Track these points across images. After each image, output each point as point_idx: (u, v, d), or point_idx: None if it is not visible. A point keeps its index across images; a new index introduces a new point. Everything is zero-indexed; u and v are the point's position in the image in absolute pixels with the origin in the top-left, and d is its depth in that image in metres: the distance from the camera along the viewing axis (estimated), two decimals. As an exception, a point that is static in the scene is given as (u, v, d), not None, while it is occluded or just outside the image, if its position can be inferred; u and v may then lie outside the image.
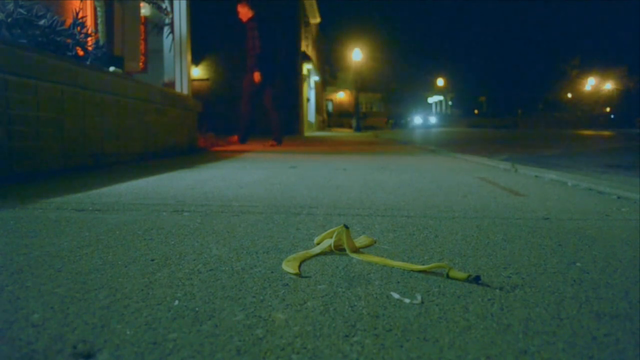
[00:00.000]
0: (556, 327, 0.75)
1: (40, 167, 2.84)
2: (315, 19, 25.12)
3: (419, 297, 0.87)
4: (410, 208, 1.88)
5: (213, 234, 1.39)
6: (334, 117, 42.28)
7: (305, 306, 0.83)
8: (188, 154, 5.43)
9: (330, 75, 41.01)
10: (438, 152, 6.60)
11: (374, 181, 2.81)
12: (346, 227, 1.20)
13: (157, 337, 0.70)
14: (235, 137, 7.81)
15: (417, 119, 55.38)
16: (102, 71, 3.74)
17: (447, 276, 0.98)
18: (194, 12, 6.51)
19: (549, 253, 1.21)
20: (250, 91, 7.65)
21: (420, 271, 1.03)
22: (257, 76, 7.54)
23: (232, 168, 3.65)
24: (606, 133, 26.15)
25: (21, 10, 3.20)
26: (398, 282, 0.96)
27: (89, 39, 3.94)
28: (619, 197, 2.20)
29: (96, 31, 5.10)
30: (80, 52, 3.77)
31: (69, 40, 3.58)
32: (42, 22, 3.34)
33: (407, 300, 0.86)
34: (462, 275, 0.97)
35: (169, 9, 6.26)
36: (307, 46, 20.80)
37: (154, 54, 7.34)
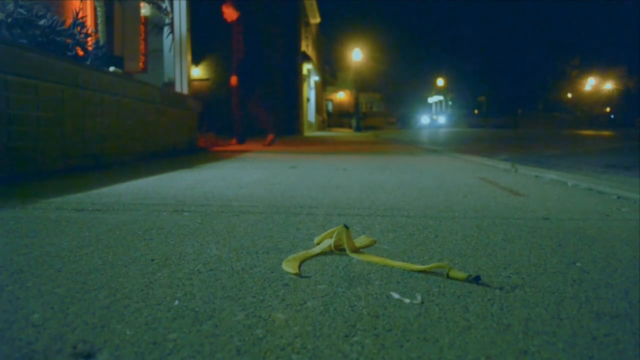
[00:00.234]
0: (556, 327, 0.75)
1: (40, 167, 2.84)
2: (315, 19, 25.11)
3: (419, 297, 0.87)
4: (410, 208, 1.88)
5: (213, 234, 1.39)
6: (334, 117, 42.27)
7: (305, 306, 0.83)
8: (188, 154, 5.43)
9: (330, 75, 40.99)
10: (438, 152, 6.60)
11: (374, 181, 2.81)
12: (346, 227, 1.20)
13: (157, 337, 0.70)
14: (234, 139, 7.83)
15: (424, 119, 54.04)
16: (102, 71, 3.75)
17: (447, 276, 0.98)
18: (194, 12, 6.50)
19: (549, 253, 1.21)
20: (239, 93, 7.65)
21: (420, 271, 1.03)
22: (233, 80, 7.56)
23: (232, 168, 3.65)
24: (606, 133, 26.15)
25: (21, 10, 3.20)
26: (398, 282, 0.96)
27: (89, 39, 3.94)
28: (619, 197, 2.20)
29: (96, 31, 5.10)
30: (80, 52, 3.77)
31: (69, 40, 3.58)
32: (42, 22, 3.34)
33: (407, 300, 0.86)
34: (462, 275, 0.97)
35: (169, 9, 6.26)
36: (307, 46, 20.79)
37: (154, 54, 7.34)
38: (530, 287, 0.94)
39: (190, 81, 6.13)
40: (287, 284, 0.94)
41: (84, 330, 0.72)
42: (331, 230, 1.24)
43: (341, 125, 39.10)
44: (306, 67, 19.81)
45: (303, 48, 18.45)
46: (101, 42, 4.72)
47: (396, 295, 0.88)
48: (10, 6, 3.18)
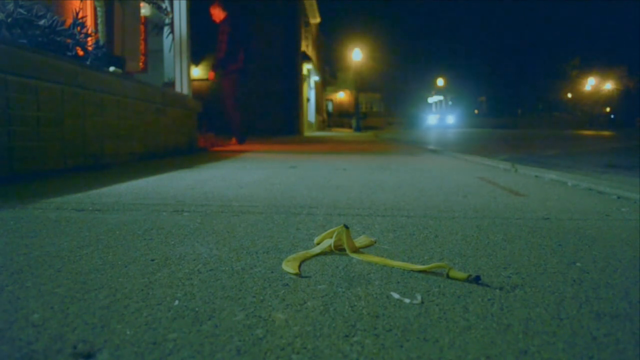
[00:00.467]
0: (556, 327, 0.75)
1: (40, 167, 2.84)
2: (315, 19, 25.11)
3: (419, 297, 0.87)
4: (410, 208, 1.88)
5: (213, 234, 1.39)
6: (334, 117, 42.25)
7: (305, 306, 0.83)
8: (188, 154, 5.43)
9: (330, 75, 40.98)
10: (438, 151, 6.60)
11: (374, 181, 2.81)
12: (346, 227, 1.20)
13: (157, 337, 0.70)
14: (234, 139, 7.93)
15: (432, 119, 51.51)
16: (102, 71, 3.75)
17: (447, 276, 0.98)
18: (194, 12, 6.51)
19: (549, 253, 1.21)
20: (231, 93, 7.83)
21: (420, 271, 1.03)
22: (210, 75, 7.85)
23: (232, 168, 3.65)
24: (606, 133, 26.15)
25: (21, 10, 3.20)
26: (398, 282, 0.96)
27: (89, 39, 3.94)
28: (619, 197, 2.20)
29: (96, 31, 5.11)
30: (80, 52, 3.77)
31: (69, 40, 3.58)
32: (42, 22, 3.34)
33: (407, 300, 0.86)
34: (462, 275, 0.97)
35: (169, 9, 6.26)
36: (307, 46, 20.80)
37: (154, 54, 7.34)
38: (530, 287, 0.94)
39: (190, 81, 6.13)
40: (287, 284, 0.94)
41: (84, 330, 0.72)
42: (331, 230, 1.24)
43: (341, 125, 39.09)
44: (306, 67, 19.82)
45: (303, 48, 18.45)
46: (101, 42, 4.72)
47: (396, 295, 0.88)
48: (10, 6, 3.18)
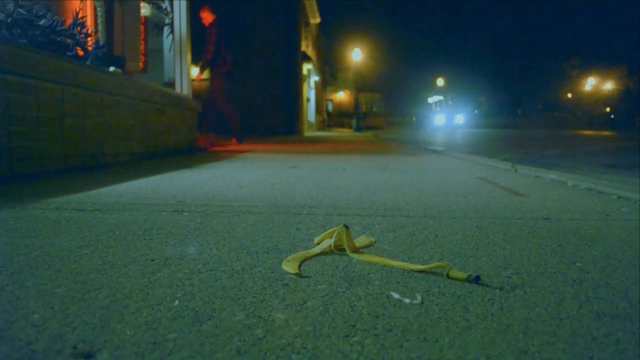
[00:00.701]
0: (556, 327, 0.75)
1: (40, 167, 2.84)
2: (315, 19, 25.12)
3: (419, 297, 0.87)
4: (410, 208, 1.88)
5: (213, 234, 1.39)
6: (334, 117, 42.25)
7: (305, 306, 0.83)
8: (188, 154, 5.43)
9: (330, 75, 40.98)
10: (438, 152, 6.60)
11: (374, 181, 2.81)
12: (346, 227, 1.20)
13: (157, 337, 0.70)
14: (234, 140, 8.04)
15: (439, 119, 46.94)
16: (102, 71, 3.75)
17: (447, 276, 0.98)
18: (194, 12, 6.51)
19: (549, 253, 1.21)
20: (221, 94, 8.05)
21: (420, 271, 1.03)
22: (198, 76, 8.10)
23: (232, 168, 3.65)
24: (606, 133, 26.15)
25: (21, 10, 3.20)
26: (398, 282, 0.96)
27: (89, 39, 3.94)
28: (619, 197, 2.20)
29: (96, 31, 5.10)
30: (80, 52, 3.77)
31: (69, 40, 3.58)
32: (42, 22, 3.34)
33: (407, 300, 0.86)
34: (462, 275, 0.97)
35: (169, 9, 6.26)
36: (307, 46, 20.80)
37: (154, 54, 7.34)
38: (530, 287, 0.94)
39: (190, 81, 6.13)
40: (287, 284, 0.94)
41: (84, 330, 0.72)
42: (331, 230, 1.24)
43: (341, 125, 39.09)
44: (306, 67, 19.82)
45: (303, 48, 18.46)
46: (101, 42, 4.72)
47: (396, 295, 0.88)
48: (10, 6, 3.18)
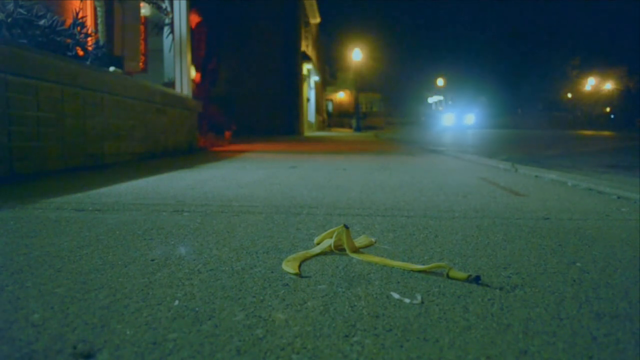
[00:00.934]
0: (556, 327, 0.75)
1: (40, 167, 2.84)
2: (315, 19, 25.11)
3: (419, 297, 0.87)
4: (410, 208, 1.88)
5: (213, 234, 1.39)
6: (334, 117, 42.22)
7: (305, 306, 0.83)
8: (188, 154, 5.43)
9: (330, 75, 40.98)
10: (438, 152, 6.60)
11: (374, 181, 2.81)
12: (346, 227, 1.20)
13: (157, 337, 0.70)
14: (228, 133, 8.21)
15: (448, 119, 43.26)
16: (102, 71, 3.74)
17: (447, 276, 0.98)
18: (202, 10, 6.52)
19: (549, 253, 1.21)
20: (208, 93, 8.23)
21: (420, 271, 1.03)
22: (197, 77, 8.38)
23: (232, 168, 3.65)
24: (606, 133, 26.15)
25: (21, 10, 3.20)
26: (398, 282, 0.96)
27: (89, 39, 3.94)
28: (619, 197, 2.20)
29: (96, 31, 5.11)
30: (80, 52, 3.77)
31: (69, 40, 3.58)
32: (42, 22, 3.34)
33: (407, 300, 0.86)
34: (462, 275, 0.97)
35: (169, 9, 6.26)
36: (307, 46, 20.79)
37: (154, 54, 7.34)
38: (530, 287, 0.94)
39: (190, 81, 6.13)
40: (287, 284, 0.94)
41: (84, 330, 0.72)
42: (331, 230, 1.24)
43: (341, 125, 39.07)
44: (306, 67, 19.81)
45: (303, 48, 18.45)
46: (101, 42, 4.72)
47: (396, 295, 0.88)
48: (10, 6, 3.18)
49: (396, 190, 2.40)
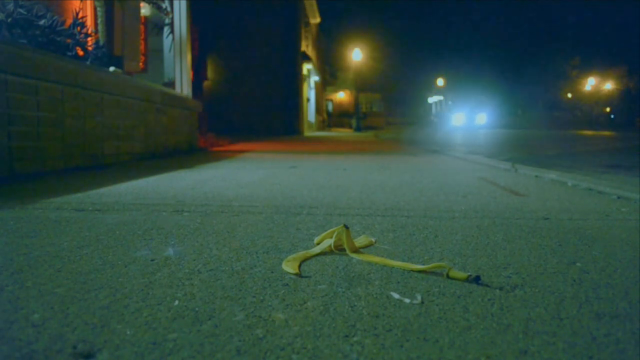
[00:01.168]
0: (556, 327, 0.75)
1: (40, 167, 2.84)
2: (315, 19, 25.12)
3: (419, 297, 0.87)
4: (410, 208, 1.88)
5: (213, 234, 1.39)
6: (334, 117, 42.20)
7: (305, 306, 0.83)
8: (188, 154, 5.43)
9: (330, 75, 40.98)
10: (439, 152, 6.60)
11: (374, 181, 2.81)
12: (346, 227, 1.20)
13: (157, 337, 0.70)
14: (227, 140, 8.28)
15: (458, 118, 41.47)
16: (102, 71, 3.75)
17: (447, 276, 0.98)
18: (194, 12, 6.52)
19: (549, 253, 1.21)
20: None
21: (420, 271, 1.03)
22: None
23: (232, 168, 3.65)
24: (606, 133, 26.16)
25: (21, 10, 3.20)
26: (398, 282, 0.96)
27: (89, 39, 3.94)
28: (619, 197, 2.20)
29: (96, 31, 5.10)
30: (80, 52, 3.77)
31: (69, 40, 3.58)
32: (42, 22, 3.34)
33: (407, 300, 0.86)
34: (462, 275, 0.97)
35: (169, 9, 6.26)
36: (307, 46, 20.79)
37: (154, 54, 7.34)
38: (530, 287, 0.94)
39: (190, 81, 6.13)
40: (287, 284, 0.94)
41: (84, 330, 0.72)
42: (331, 230, 1.24)
43: (341, 125, 39.07)
44: (306, 67, 19.82)
45: (303, 48, 18.45)
46: (101, 42, 4.72)
47: (396, 295, 0.88)
48: (10, 6, 3.18)
49: (396, 190, 2.40)
